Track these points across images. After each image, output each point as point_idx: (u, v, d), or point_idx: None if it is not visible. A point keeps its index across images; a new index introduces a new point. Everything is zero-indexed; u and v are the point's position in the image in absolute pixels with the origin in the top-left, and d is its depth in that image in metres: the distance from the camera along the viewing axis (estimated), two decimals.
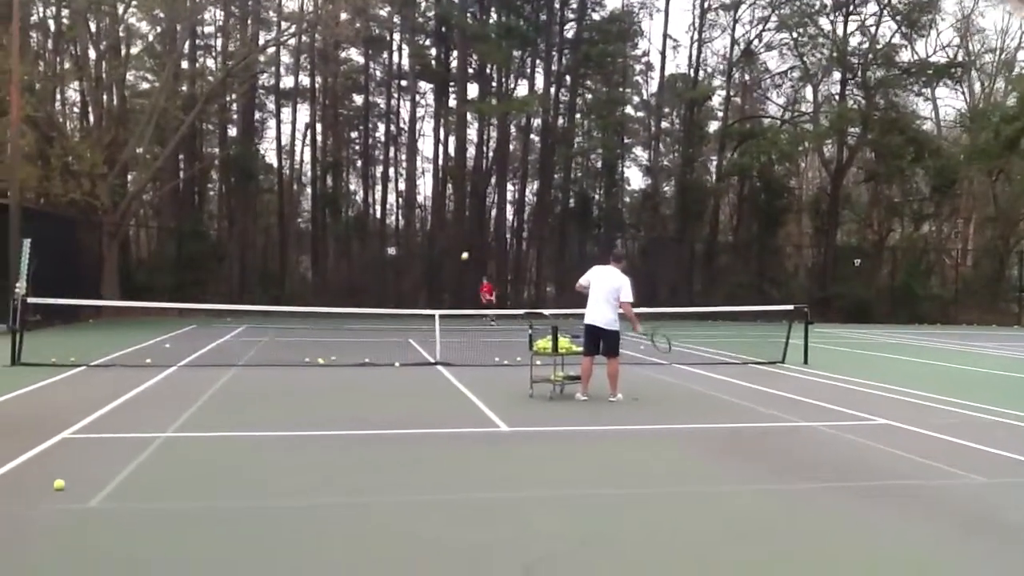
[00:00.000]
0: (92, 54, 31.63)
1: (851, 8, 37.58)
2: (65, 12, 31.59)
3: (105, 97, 32.43)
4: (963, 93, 43.05)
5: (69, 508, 5.68)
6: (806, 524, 5.70)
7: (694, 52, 39.23)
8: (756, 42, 39.55)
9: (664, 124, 41.69)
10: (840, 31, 37.94)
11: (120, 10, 30.72)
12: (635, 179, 46.57)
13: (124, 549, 4.94)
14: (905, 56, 38.79)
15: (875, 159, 38.93)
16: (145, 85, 35.27)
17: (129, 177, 31.16)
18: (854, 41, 38.20)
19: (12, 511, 5.62)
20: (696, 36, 39.05)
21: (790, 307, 17.97)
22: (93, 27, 31.08)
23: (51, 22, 32.90)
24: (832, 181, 39.28)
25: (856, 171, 41.00)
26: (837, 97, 39.12)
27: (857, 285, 35.97)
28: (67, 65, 32.69)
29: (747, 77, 41.34)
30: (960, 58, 39.77)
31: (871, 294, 36.21)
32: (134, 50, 34.29)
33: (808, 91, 40.94)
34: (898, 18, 37.56)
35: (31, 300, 15.35)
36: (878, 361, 17.74)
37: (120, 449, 7.52)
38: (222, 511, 5.74)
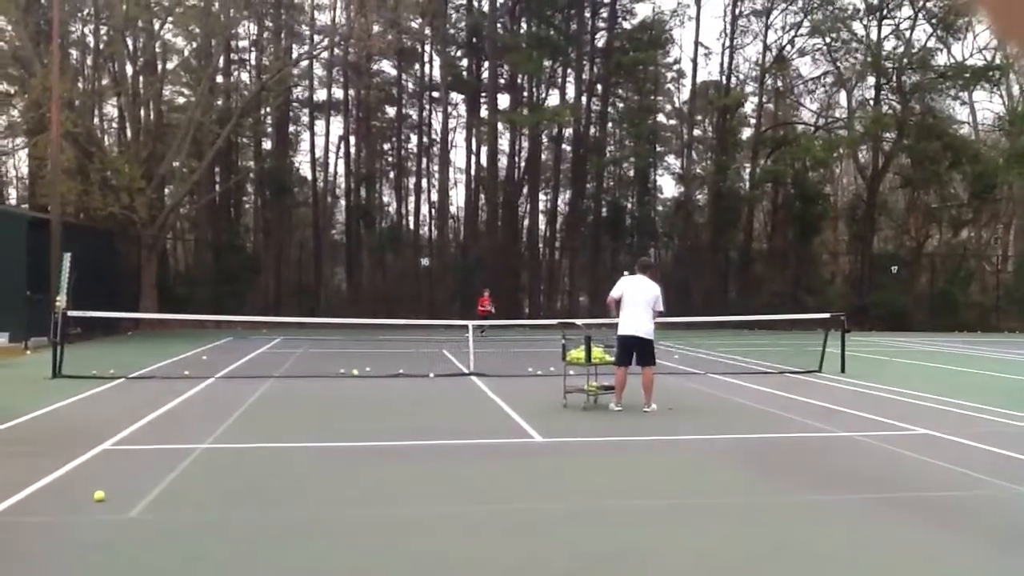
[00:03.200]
0: (129, 70, 32.13)
1: (885, 12, 37.18)
2: (104, 30, 32.15)
3: (142, 112, 32.93)
4: (1001, 96, 42.40)
5: (109, 519, 5.75)
6: (844, 536, 5.62)
7: (726, 59, 39.05)
8: (789, 48, 39.25)
9: (696, 132, 41.50)
10: (874, 35, 37.54)
11: (157, 26, 31.20)
12: (668, 187, 46.32)
13: (164, 560, 4.99)
14: (941, 60, 38.31)
15: (911, 165, 38.42)
16: (181, 100, 35.74)
17: (166, 191, 31.57)
18: (888, 45, 37.77)
19: (54, 521, 5.70)
20: (728, 43, 38.86)
21: (827, 315, 17.77)
22: (131, 44, 31.57)
23: (90, 39, 33.51)
24: (868, 187, 38.84)
25: (892, 177, 40.48)
26: (872, 102, 38.68)
27: (895, 292, 35.51)
28: (105, 81, 33.23)
29: (780, 83, 41.01)
30: (998, 60, 39.16)
31: (909, 302, 35.72)
32: (170, 65, 34.81)
33: (842, 96, 40.59)
34: (933, 21, 37.09)
35: (71, 313, 15.60)
36: (917, 370, 17.49)
37: (159, 460, 7.61)
38: (259, 522, 5.78)
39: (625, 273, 11.60)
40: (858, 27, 37.79)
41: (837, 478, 7.22)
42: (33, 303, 19.88)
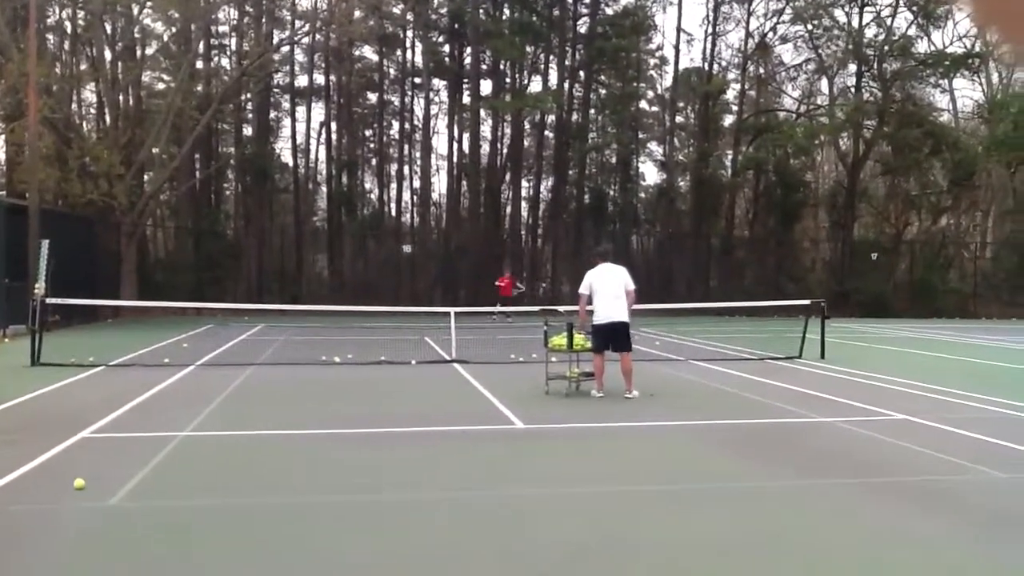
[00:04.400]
0: (108, 55, 31.78)
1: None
2: (81, 14, 31.79)
3: (121, 98, 32.60)
4: (981, 84, 42.65)
5: (89, 506, 5.73)
6: (824, 520, 5.68)
7: (708, 46, 39.06)
8: (771, 35, 39.30)
9: (679, 119, 41.55)
10: (856, 23, 37.63)
11: (135, 11, 30.89)
12: (650, 174, 46.53)
13: (144, 547, 4.98)
14: (922, 47, 38.46)
15: (892, 152, 38.60)
16: (161, 86, 35.49)
17: (146, 177, 31.34)
18: (870, 33, 37.83)
19: (33, 510, 5.68)
20: (710, 29, 38.88)
21: (807, 302, 17.87)
22: (109, 28, 31.24)
23: (67, 24, 33.14)
24: (849, 175, 39.00)
25: (873, 164, 40.67)
26: (853, 90, 38.83)
27: (875, 279, 35.73)
28: (84, 67, 32.90)
29: (762, 70, 41.09)
30: (977, 48, 39.36)
31: (889, 288, 35.96)
32: (149, 51, 34.54)
33: (824, 84, 40.70)
34: (914, 9, 37.21)
35: (50, 300, 15.47)
36: (896, 356, 17.64)
37: (139, 448, 7.58)
38: (240, 509, 5.78)
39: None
40: (840, 14, 37.87)
41: (818, 463, 7.29)
42: (11, 291, 19.72)
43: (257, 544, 5.05)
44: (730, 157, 40.23)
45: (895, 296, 35.60)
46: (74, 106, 32.86)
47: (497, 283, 27.97)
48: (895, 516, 5.73)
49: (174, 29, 32.63)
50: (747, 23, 38.91)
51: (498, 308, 25.72)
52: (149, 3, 30.29)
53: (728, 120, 41.17)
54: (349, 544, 5.07)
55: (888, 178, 40.19)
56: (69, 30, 33.16)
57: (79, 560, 4.78)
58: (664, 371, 13.86)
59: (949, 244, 40.62)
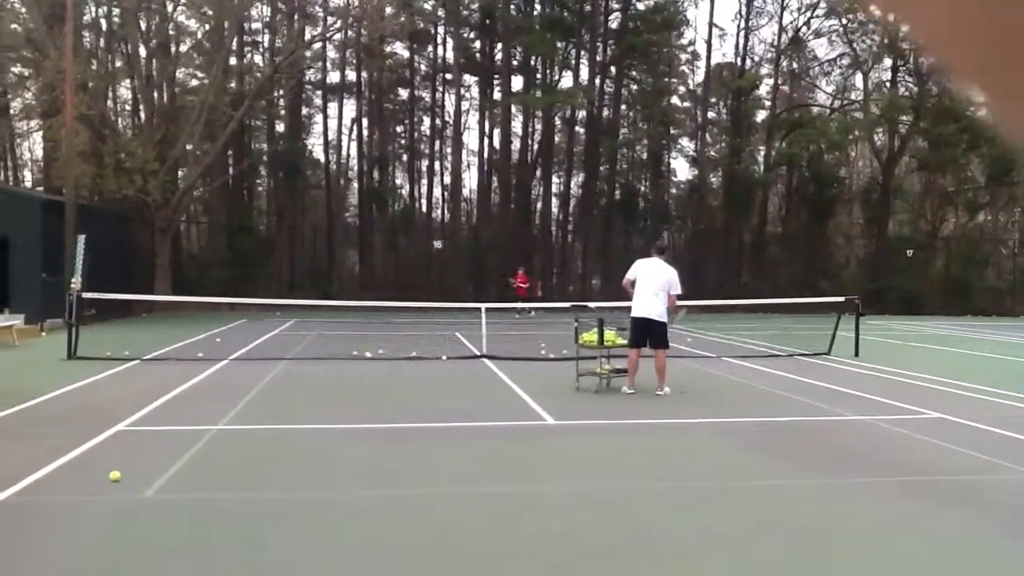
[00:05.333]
0: (143, 52, 32.16)
1: None
2: (116, 12, 32.16)
3: (156, 95, 32.97)
4: None
5: (125, 498, 5.80)
6: (857, 519, 5.61)
7: (741, 40, 38.82)
8: (804, 29, 38.93)
9: (710, 114, 41.28)
10: (891, 17, 37.13)
11: (170, 8, 31.22)
12: (681, 170, 46.25)
13: (179, 538, 5.03)
14: None
15: (928, 148, 38.10)
16: (194, 82, 35.76)
17: (180, 173, 31.65)
18: (906, 27, 37.35)
19: (70, 501, 5.75)
20: (743, 24, 38.60)
21: (841, 299, 17.68)
22: (143, 26, 31.60)
23: (103, 22, 33.53)
24: (883, 170, 38.55)
25: (908, 160, 40.17)
26: (888, 84, 38.37)
27: (910, 276, 35.31)
28: (119, 64, 33.30)
29: (795, 65, 40.70)
30: None
31: (924, 285, 35.52)
32: (183, 48, 34.84)
33: (858, 79, 40.25)
34: None
35: (86, 295, 15.69)
36: (931, 353, 17.41)
37: (174, 441, 7.66)
38: (272, 502, 5.82)
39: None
40: (875, 8, 37.34)
41: (850, 461, 7.21)
42: (48, 285, 20.01)
43: (289, 537, 5.07)
44: (762, 153, 39.90)
45: (930, 293, 35.16)
46: (109, 103, 33.26)
47: (515, 283, 27.97)
48: (928, 514, 5.65)
49: (208, 26, 32.89)
50: (780, 17, 38.59)
51: (520, 305, 25.74)
52: (183, 1, 30.58)
53: (760, 115, 40.81)
54: (378, 538, 5.08)
55: (924, 174, 39.67)
56: (105, 28, 33.56)
57: (114, 551, 4.83)
58: (696, 368, 13.78)
59: (986, 241, 40.01)
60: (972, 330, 24.09)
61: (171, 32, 32.94)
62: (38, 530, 5.17)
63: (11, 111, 36.17)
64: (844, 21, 37.59)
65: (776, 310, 29.18)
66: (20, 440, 7.68)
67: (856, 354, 15.43)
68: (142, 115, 33.20)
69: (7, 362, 14.04)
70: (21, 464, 6.59)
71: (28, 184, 37.96)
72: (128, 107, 36.38)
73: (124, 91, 35.66)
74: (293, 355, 15.30)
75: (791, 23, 38.84)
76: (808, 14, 38.39)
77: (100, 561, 4.68)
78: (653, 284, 10.85)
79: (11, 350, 15.83)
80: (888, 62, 38.17)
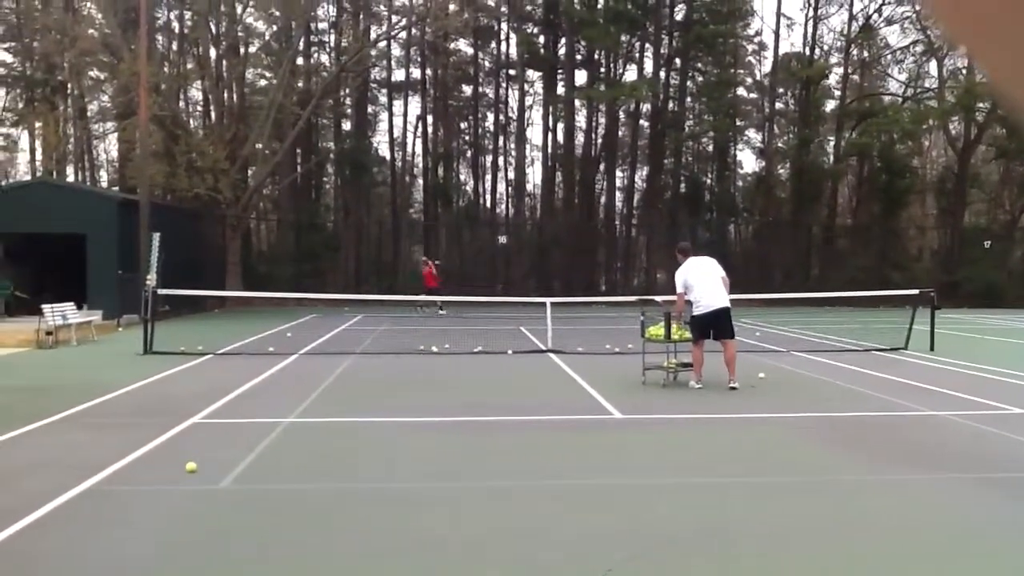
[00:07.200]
0: (213, 54, 32.87)
1: None
2: (188, 15, 32.91)
3: (226, 95, 33.68)
4: None
5: (201, 489, 5.93)
6: (936, 516, 5.47)
7: (809, 29, 38.07)
8: (875, 16, 38.02)
9: (778, 105, 40.58)
10: (930, 18, 36.04)
11: (239, 10, 31.82)
12: (748, 162, 45.66)
13: (253, 528, 5.13)
14: None
15: (1006, 135, 36.88)
16: (263, 82, 36.45)
17: (249, 172, 32.29)
18: (945, 28, 36.23)
19: (148, 490, 5.91)
20: (811, 13, 37.84)
21: (915, 291, 17.22)
22: (214, 28, 32.29)
23: (175, 25, 34.36)
24: (959, 159, 37.47)
25: (985, 149, 38.97)
26: (964, 71, 37.25)
27: (987, 268, 34.24)
28: (190, 65, 34.08)
29: (866, 53, 39.76)
30: None
31: (1002, 277, 34.41)
32: (252, 49, 35.50)
33: (932, 66, 39.17)
34: None
35: (161, 291, 16.09)
36: (1010, 348, 16.87)
37: (247, 433, 7.81)
38: (342, 493, 5.89)
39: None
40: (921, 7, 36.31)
41: (925, 457, 7.02)
42: (124, 282, 20.57)
43: (357, 526, 5.13)
44: (832, 143, 39.10)
45: (1009, 285, 34.04)
46: (182, 104, 34.08)
47: (425, 272, 26.27)
48: (1011, 512, 5.47)
49: (275, 27, 33.48)
50: (850, 5, 37.76)
51: (423, 298, 24.82)
52: (252, 2, 31.16)
53: (830, 105, 39.99)
54: (445, 527, 5.11)
55: (1002, 162, 38.43)
56: (177, 31, 34.38)
57: (192, 541, 4.95)
58: (765, 362, 13.55)
59: None
60: None
61: (240, 33, 33.61)
62: (119, 518, 5.32)
63: (88, 113, 37.32)
64: (917, 7, 36.58)
65: (846, 303, 28.57)
66: (101, 431, 7.91)
67: (931, 348, 15.03)
68: (213, 115, 33.95)
69: (87, 356, 14.48)
70: (103, 454, 6.79)
71: (104, 184, 39.10)
72: (199, 108, 37.25)
73: (195, 92, 36.53)
74: (361, 349, 15.48)
75: (862, 10, 38.01)
76: (880, 1, 37.49)
77: (176, 549, 4.79)
78: (710, 277, 10.74)
79: (90, 345, 16.32)
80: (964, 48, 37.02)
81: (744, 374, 11.04)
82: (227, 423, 8.44)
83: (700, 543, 4.87)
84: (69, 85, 34.84)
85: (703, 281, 10.76)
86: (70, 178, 36.29)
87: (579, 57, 37.96)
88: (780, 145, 40.66)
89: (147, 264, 20.11)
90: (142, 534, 5.02)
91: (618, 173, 39.97)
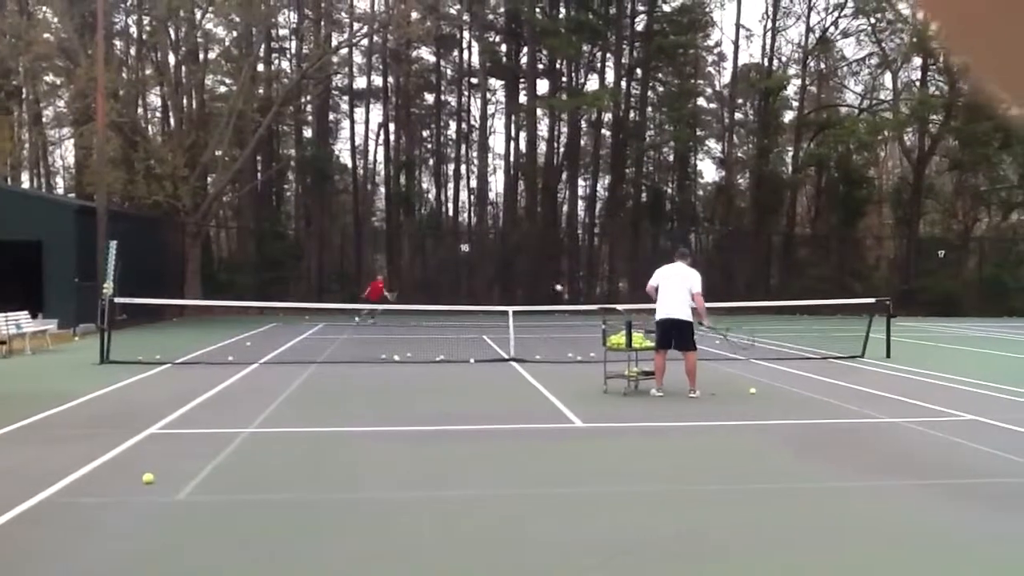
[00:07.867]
0: (172, 60, 32.55)
1: None
2: (146, 20, 32.55)
3: (185, 101, 33.34)
4: None
5: (158, 500, 5.85)
6: (893, 522, 5.55)
7: (768, 41, 38.58)
8: (832, 29, 38.62)
9: (738, 115, 41.06)
10: (920, 15, 36.80)
11: (198, 16, 31.54)
12: (708, 172, 45.95)
13: (212, 540, 5.07)
14: None
15: (959, 146, 37.62)
16: (223, 89, 36.15)
17: (209, 179, 31.97)
18: (935, 25, 36.96)
19: (105, 502, 5.82)
20: (770, 24, 38.37)
21: (871, 300, 17.50)
22: (173, 34, 31.98)
23: (133, 30, 33.97)
24: (914, 170, 38.14)
25: (939, 160, 39.71)
26: (918, 83, 37.96)
27: (942, 277, 34.87)
28: (149, 71, 33.70)
29: (823, 65, 40.39)
30: None
31: (958, 287, 35.05)
32: (212, 55, 35.20)
33: (887, 78, 39.87)
34: None
35: (118, 300, 15.86)
36: (965, 356, 17.19)
37: (206, 444, 7.72)
38: (304, 504, 5.84)
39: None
40: (903, 7, 37.02)
41: (886, 464, 7.13)
42: (81, 290, 20.25)
43: (319, 537, 5.10)
44: (791, 153, 39.62)
45: (964, 294, 34.68)
46: (140, 110, 33.66)
47: (372, 287, 26.33)
48: (964, 518, 5.57)
49: (235, 33, 33.24)
50: (807, 17, 38.32)
51: (366, 306, 25.07)
52: (211, 8, 30.89)
53: (788, 116, 40.54)
54: (407, 538, 5.09)
55: (956, 173, 39.18)
56: (135, 36, 33.98)
57: (148, 552, 4.88)
58: (725, 370, 13.69)
59: (1020, 241, 39.43)
60: (1008, 332, 23.76)
61: (200, 39, 33.32)
62: (75, 531, 5.23)
63: (44, 119, 36.75)
64: (872, 20, 37.26)
65: (805, 312, 28.93)
66: (57, 442, 7.78)
67: (888, 356, 15.28)
68: (172, 122, 33.56)
69: (42, 366, 14.24)
70: (58, 465, 6.68)
71: (60, 191, 38.50)
72: (158, 114, 36.84)
73: (154, 98, 36.12)
74: (323, 359, 15.39)
75: (818, 23, 38.58)
76: (836, 14, 38.10)
77: (133, 561, 4.72)
78: (676, 286, 10.85)
79: (45, 354, 16.04)
80: (918, 61, 37.76)
81: (704, 383, 11.08)
82: (186, 433, 8.34)
83: (661, 551, 4.89)
84: (24, 90, 34.29)
85: (665, 288, 10.90)
86: (25, 184, 35.72)
87: (541, 66, 38.13)
88: (740, 155, 41.13)
89: (104, 272, 19.81)
90: (99, 546, 4.94)
91: (580, 182, 40.17)
